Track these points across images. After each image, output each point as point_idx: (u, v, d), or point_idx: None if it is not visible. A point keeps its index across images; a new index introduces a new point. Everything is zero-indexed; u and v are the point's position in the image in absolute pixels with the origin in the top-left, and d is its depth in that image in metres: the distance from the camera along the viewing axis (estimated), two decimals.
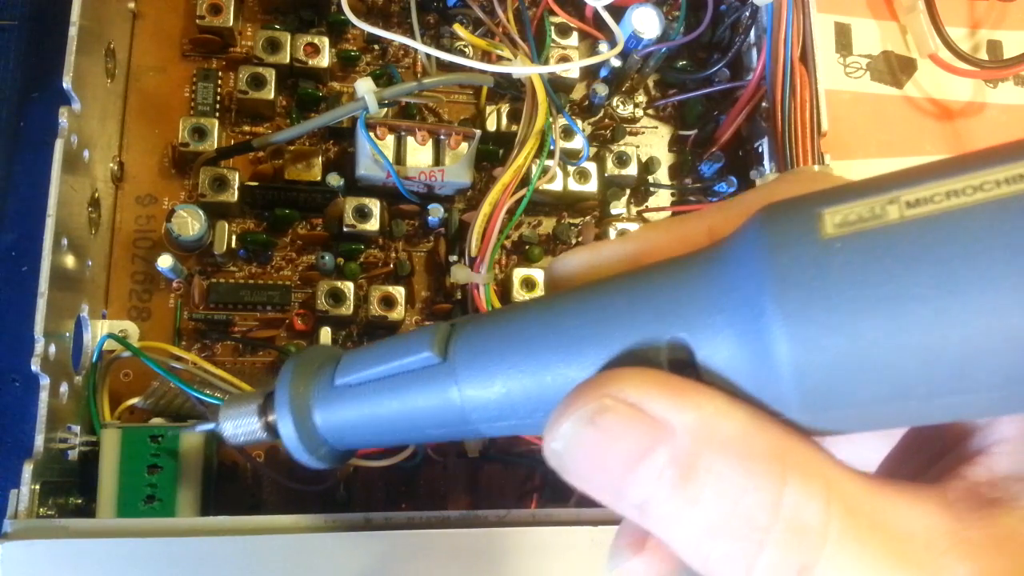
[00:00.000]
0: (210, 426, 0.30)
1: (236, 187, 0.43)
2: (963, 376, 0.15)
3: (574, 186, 0.48)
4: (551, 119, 0.45)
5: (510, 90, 0.48)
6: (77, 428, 0.38)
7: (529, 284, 0.45)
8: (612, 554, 0.21)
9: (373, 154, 0.43)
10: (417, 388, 0.22)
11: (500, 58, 0.46)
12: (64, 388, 0.36)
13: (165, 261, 0.41)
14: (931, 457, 0.18)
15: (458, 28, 0.46)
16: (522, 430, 0.21)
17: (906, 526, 0.16)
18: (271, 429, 0.27)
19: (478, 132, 0.45)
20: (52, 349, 0.35)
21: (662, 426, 0.17)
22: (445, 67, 0.46)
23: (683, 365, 0.18)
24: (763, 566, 0.16)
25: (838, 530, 0.16)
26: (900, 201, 0.15)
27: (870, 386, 0.15)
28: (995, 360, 0.14)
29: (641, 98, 0.52)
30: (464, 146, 0.45)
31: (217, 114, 0.46)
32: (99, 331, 0.41)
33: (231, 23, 0.45)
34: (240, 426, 0.28)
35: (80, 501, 0.38)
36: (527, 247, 0.48)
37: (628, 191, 0.50)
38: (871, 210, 0.16)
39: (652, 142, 0.51)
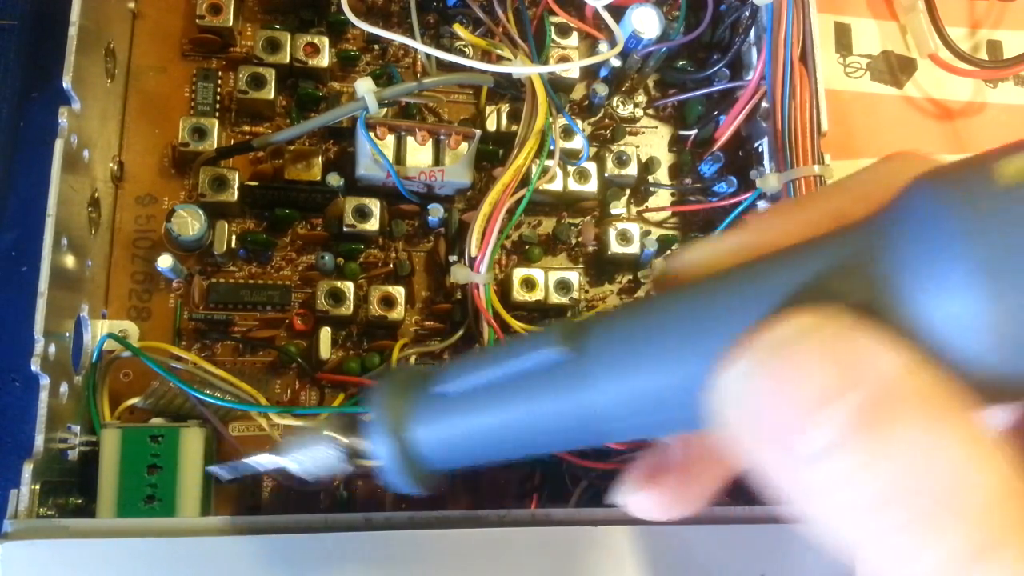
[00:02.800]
0: (238, 471, 0.30)
1: (236, 187, 0.43)
2: None
3: (574, 186, 0.48)
4: (551, 119, 0.45)
5: (510, 90, 0.48)
6: (77, 428, 0.38)
7: (529, 284, 0.45)
8: (623, 485, 0.20)
9: (373, 154, 0.43)
10: (543, 386, 0.21)
11: (500, 58, 0.46)
12: (64, 388, 0.36)
13: (165, 261, 0.41)
14: None
15: (458, 28, 0.46)
16: (651, 430, 0.21)
17: None
18: (356, 455, 0.26)
19: (478, 132, 0.45)
20: (52, 349, 0.35)
21: (858, 367, 0.15)
22: (445, 67, 0.46)
23: None
24: (936, 555, 0.14)
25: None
26: None
27: None
28: None
29: (641, 98, 0.52)
30: (464, 146, 0.45)
31: (217, 114, 0.46)
32: (99, 331, 0.41)
33: (231, 23, 0.45)
34: (317, 460, 0.27)
35: (80, 501, 0.38)
36: (527, 247, 0.48)
37: (628, 191, 0.50)
38: None
39: (652, 142, 0.51)
